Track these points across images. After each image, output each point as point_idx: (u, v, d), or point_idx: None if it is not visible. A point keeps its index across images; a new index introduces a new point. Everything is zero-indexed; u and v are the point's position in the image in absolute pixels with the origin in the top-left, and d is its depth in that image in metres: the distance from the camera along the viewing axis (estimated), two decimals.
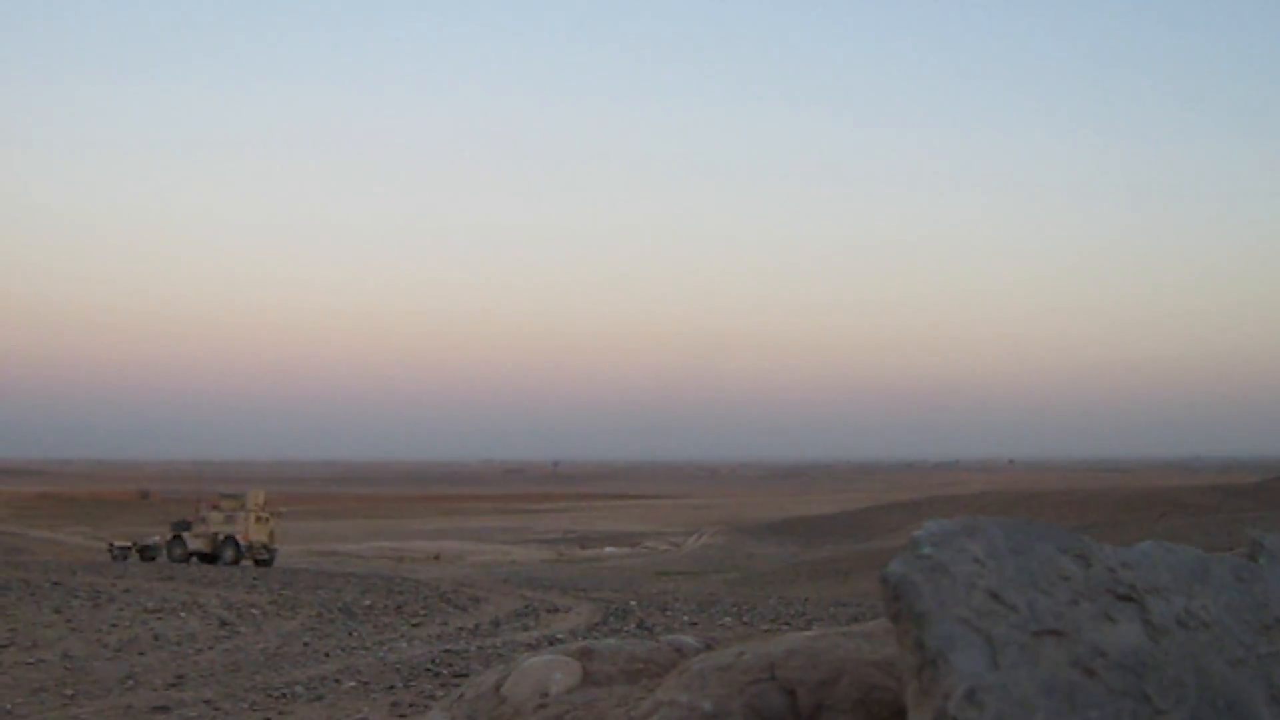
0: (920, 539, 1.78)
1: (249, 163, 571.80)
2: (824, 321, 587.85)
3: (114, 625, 19.86)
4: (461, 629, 20.96)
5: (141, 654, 16.97)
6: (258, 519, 44.60)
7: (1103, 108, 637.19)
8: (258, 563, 42.95)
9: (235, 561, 42.83)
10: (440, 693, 13.79)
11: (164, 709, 12.76)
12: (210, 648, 17.83)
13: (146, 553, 44.22)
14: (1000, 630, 1.65)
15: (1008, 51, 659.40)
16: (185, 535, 44.30)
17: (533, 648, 18.29)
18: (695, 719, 1.95)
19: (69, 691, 13.73)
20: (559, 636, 19.59)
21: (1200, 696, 1.70)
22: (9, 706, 12.72)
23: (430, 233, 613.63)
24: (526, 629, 21.10)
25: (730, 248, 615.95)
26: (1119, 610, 1.78)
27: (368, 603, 24.83)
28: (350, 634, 19.85)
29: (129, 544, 45.69)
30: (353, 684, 14.60)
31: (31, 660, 15.95)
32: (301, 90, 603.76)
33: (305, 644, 18.41)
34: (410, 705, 13.19)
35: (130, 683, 14.46)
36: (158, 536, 45.86)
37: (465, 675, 15.05)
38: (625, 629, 20.55)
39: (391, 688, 14.40)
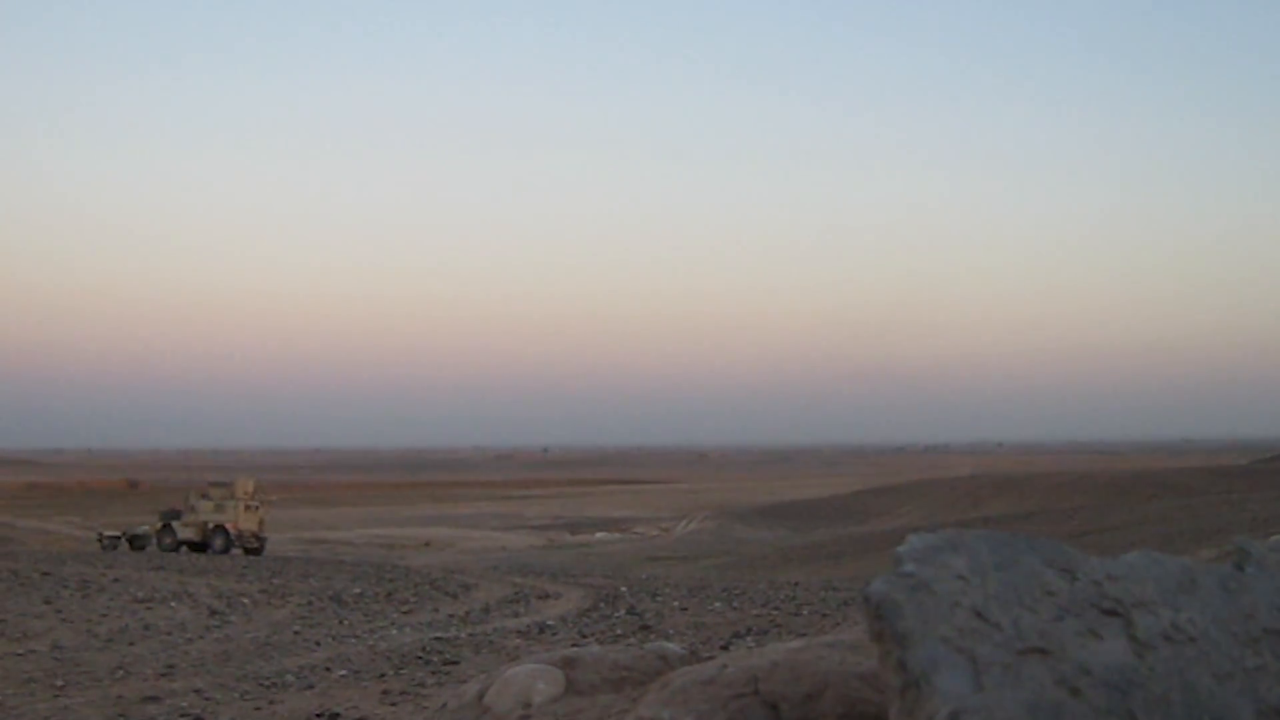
0: (903, 555, 1.74)
1: (235, 151, 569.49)
2: (814, 305, 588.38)
3: (104, 615, 19.81)
4: (452, 616, 20.96)
5: (132, 644, 16.94)
6: (247, 507, 44.49)
7: (1092, 88, 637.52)
8: (248, 551, 42.90)
9: (225, 550, 42.74)
10: (431, 680, 13.78)
11: (154, 699, 12.72)
12: (200, 637, 17.81)
13: (136, 542, 44.12)
14: (984, 650, 1.62)
15: (994, 34, 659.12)
16: (175, 524, 44.18)
17: (523, 634, 18.29)
18: None
19: (59, 682, 13.69)
20: (549, 623, 19.61)
21: (1187, 713, 1.67)
22: None
23: (418, 220, 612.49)
24: (517, 615, 21.10)
25: (718, 231, 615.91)
26: (1105, 626, 1.75)
27: (358, 591, 24.81)
28: (341, 622, 19.84)
29: (118, 533, 45.57)
30: (343, 672, 14.58)
31: (21, 651, 15.90)
32: (286, 79, 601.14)
33: (296, 632, 18.39)
34: (401, 693, 13.16)
35: (120, 673, 14.43)
36: (147, 526, 45.75)
37: (456, 663, 15.05)
38: (615, 614, 20.55)
39: (382, 675, 14.38)
